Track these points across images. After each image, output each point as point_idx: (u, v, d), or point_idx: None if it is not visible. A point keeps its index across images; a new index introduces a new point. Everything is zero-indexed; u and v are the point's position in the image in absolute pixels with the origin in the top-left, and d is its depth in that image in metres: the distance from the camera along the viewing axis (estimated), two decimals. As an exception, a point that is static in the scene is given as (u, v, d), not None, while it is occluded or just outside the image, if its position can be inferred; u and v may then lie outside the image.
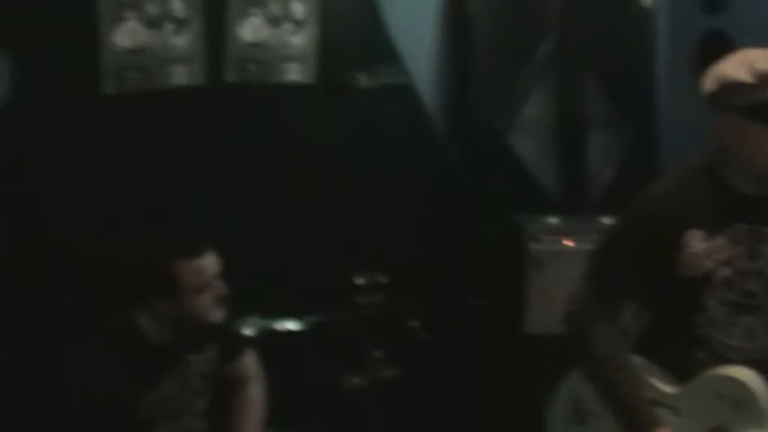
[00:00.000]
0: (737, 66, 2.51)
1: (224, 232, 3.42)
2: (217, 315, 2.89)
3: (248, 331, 3.01)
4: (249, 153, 3.71)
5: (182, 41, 3.64)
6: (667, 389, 2.63)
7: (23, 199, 3.36)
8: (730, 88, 2.50)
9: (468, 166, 4.26)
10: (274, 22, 3.80)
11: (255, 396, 3.19)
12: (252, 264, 3.50)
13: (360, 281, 3.51)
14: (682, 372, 2.63)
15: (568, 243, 4.05)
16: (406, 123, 4.06)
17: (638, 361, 2.68)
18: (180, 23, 3.64)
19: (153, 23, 3.59)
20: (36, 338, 3.32)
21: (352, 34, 3.91)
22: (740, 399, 2.52)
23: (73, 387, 2.86)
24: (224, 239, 3.40)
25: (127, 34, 3.53)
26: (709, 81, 2.55)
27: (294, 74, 3.86)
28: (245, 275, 3.09)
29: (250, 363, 3.21)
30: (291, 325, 3.13)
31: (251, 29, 3.76)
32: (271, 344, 3.14)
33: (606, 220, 3.73)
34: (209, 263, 2.87)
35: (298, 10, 3.84)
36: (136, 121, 3.54)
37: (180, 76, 3.64)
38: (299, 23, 3.85)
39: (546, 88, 4.48)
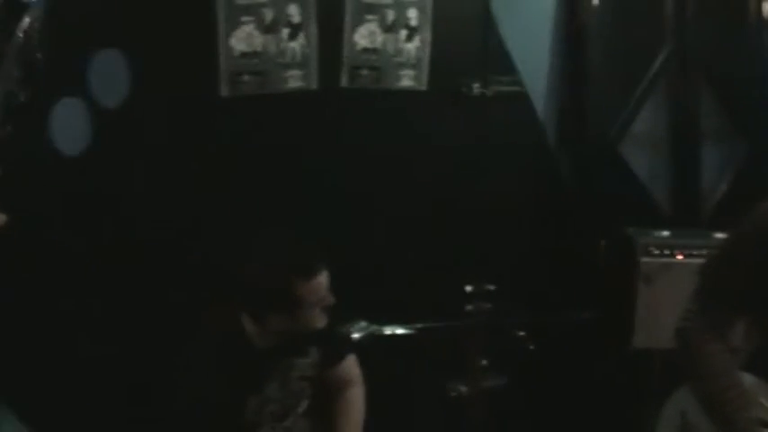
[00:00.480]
0: None
1: (334, 237, 3.46)
2: (322, 322, 2.96)
3: (355, 335, 3.01)
4: (360, 159, 3.73)
5: (297, 46, 3.70)
6: (778, 409, 2.57)
7: (139, 199, 3.44)
8: None
9: (580, 176, 4.20)
10: (389, 28, 3.82)
11: (356, 399, 3.22)
12: (360, 268, 3.52)
13: (468, 289, 3.50)
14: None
15: (679, 257, 3.97)
16: (518, 132, 4.03)
17: (748, 380, 2.61)
18: (295, 28, 3.68)
19: (269, 28, 3.65)
20: (145, 337, 3.40)
21: (466, 42, 3.90)
22: None
23: (180, 387, 2.93)
24: (334, 244, 3.45)
25: (243, 39, 3.59)
26: None
27: (407, 80, 3.87)
28: (353, 280, 3.10)
29: (352, 366, 3.24)
30: (399, 330, 3.12)
31: (365, 34, 3.79)
32: (378, 349, 3.14)
33: (718, 235, 3.65)
34: (324, 279, 2.95)
35: (412, 16, 3.85)
36: (250, 125, 3.59)
37: (294, 80, 3.70)
38: (413, 30, 3.85)
39: (660, 99, 4.40)
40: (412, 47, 3.85)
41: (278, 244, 3.00)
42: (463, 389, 3.62)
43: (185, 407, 2.89)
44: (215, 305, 2.99)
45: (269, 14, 3.63)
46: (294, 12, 3.67)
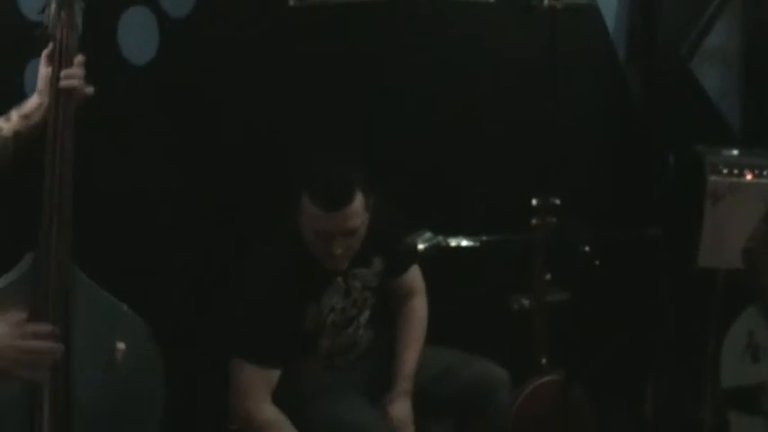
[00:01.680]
0: None
1: (401, 149, 3.45)
2: (336, 266, 2.89)
3: (420, 246, 3.01)
4: (428, 70, 3.69)
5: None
6: None
7: (208, 107, 3.45)
8: None
9: (649, 92, 4.14)
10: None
11: (419, 309, 3.23)
12: (427, 180, 3.51)
13: (534, 202, 3.49)
14: None
15: (749, 177, 3.92)
16: (587, 46, 3.96)
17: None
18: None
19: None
20: (214, 245, 3.44)
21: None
22: None
23: (246, 294, 2.94)
24: (400, 156, 3.44)
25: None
26: None
27: (477, -10, 3.80)
28: (420, 191, 3.11)
29: (416, 277, 3.24)
30: (464, 242, 3.14)
31: (436, -56, 3.72)
32: (442, 260, 3.16)
33: (789, 156, 3.60)
34: (335, 220, 2.82)
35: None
36: (317, 33, 3.57)
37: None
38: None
39: (734, 16, 4.30)
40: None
41: (321, 164, 2.91)
42: (526, 302, 3.64)
43: (248, 313, 2.91)
44: (284, 212, 2.99)
45: None
46: None
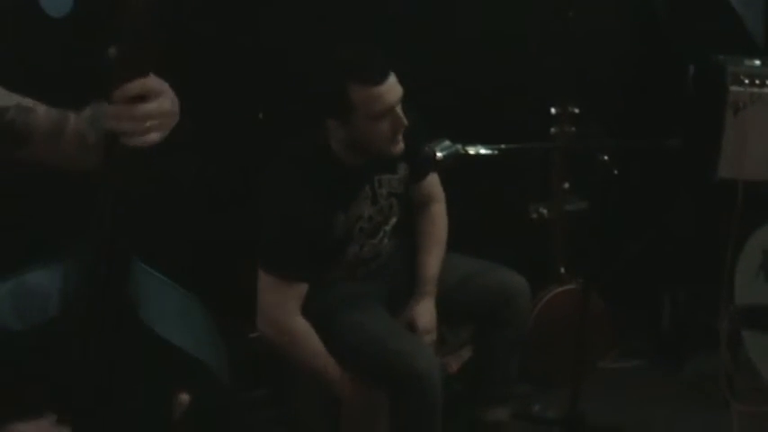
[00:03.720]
0: None
1: (420, 55, 3.41)
2: (395, 148, 2.87)
3: (439, 154, 3.00)
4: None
5: None
6: None
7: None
8: None
9: (672, 1, 4.08)
10: None
11: (440, 214, 3.23)
12: (446, 87, 3.49)
13: (554, 111, 3.47)
14: None
15: (771, 87, 3.87)
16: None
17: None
18: None
19: None
20: (238, 155, 3.44)
21: None
22: None
23: (275, 206, 2.91)
24: (419, 63, 3.41)
25: None
26: None
27: None
28: (438, 99, 3.09)
29: (435, 183, 3.24)
30: (482, 150, 3.11)
31: None
32: (461, 168, 3.15)
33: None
34: (388, 92, 2.79)
35: None
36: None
37: None
38: None
39: None
40: None
41: (347, 49, 2.87)
42: (544, 211, 3.64)
43: (278, 227, 2.88)
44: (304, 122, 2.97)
45: None
46: None
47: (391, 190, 3.06)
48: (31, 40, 3.06)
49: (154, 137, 1.70)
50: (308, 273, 2.90)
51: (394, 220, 3.11)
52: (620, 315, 3.69)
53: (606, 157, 3.22)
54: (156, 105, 1.70)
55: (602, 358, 3.72)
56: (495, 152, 3.16)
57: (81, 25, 2.98)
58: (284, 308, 2.88)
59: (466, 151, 3.06)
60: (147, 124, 1.69)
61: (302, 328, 2.89)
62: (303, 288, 2.90)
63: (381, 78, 2.78)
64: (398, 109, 2.82)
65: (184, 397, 1.96)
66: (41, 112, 1.90)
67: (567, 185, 3.57)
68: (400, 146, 2.87)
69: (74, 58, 2.99)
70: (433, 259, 3.14)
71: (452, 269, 3.15)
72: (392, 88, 2.80)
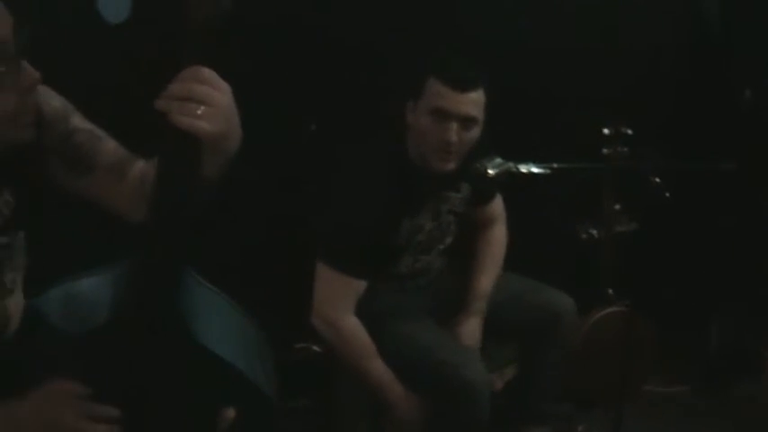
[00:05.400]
0: None
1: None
2: (442, 163, 2.86)
3: (491, 171, 2.99)
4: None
5: None
6: None
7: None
8: None
9: (727, 21, 4.04)
10: None
11: (499, 237, 3.25)
12: (499, 105, 3.47)
13: (606, 131, 3.44)
14: None
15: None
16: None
17: None
18: None
19: None
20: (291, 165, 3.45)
21: None
22: None
23: (344, 201, 2.91)
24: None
25: None
26: None
27: None
28: (491, 116, 3.06)
29: (499, 204, 3.26)
30: (534, 169, 3.10)
31: None
32: (512, 186, 3.14)
33: None
34: (458, 102, 2.80)
35: None
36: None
37: None
38: None
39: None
40: None
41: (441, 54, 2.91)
42: (594, 232, 3.61)
43: (345, 222, 2.88)
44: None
45: None
46: None
47: (452, 208, 3.07)
48: (88, 46, 3.09)
49: (203, 125, 1.64)
50: (367, 272, 2.91)
51: (449, 239, 3.12)
52: (666, 338, 3.65)
53: (658, 179, 3.21)
54: (206, 90, 1.65)
55: (648, 381, 3.69)
56: (547, 171, 3.15)
57: (138, 31, 3.01)
58: (339, 303, 2.89)
59: (517, 169, 3.05)
60: (196, 108, 1.64)
61: (354, 326, 2.90)
62: (360, 286, 2.91)
63: (462, 87, 2.79)
64: (459, 127, 2.81)
65: (230, 412, 1.95)
66: (111, 145, 1.91)
67: (617, 207, 3.54)
68: (448, 164, 2.87)
69: (131, 63, 3.02)
70: (487, 279, 3.14)
71: (500, 286, 3.16)
72: (466, 102, 2.81)
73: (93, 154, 1.87)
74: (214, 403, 1.96)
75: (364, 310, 2.93)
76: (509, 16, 3.67)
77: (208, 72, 1.66)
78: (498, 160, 3.02)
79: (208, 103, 1.65)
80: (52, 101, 1.84)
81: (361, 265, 2.88)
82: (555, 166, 3.16)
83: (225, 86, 1.68)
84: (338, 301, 2.89)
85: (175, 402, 1.90)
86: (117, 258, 1.93)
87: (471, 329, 3.08)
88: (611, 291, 3.61)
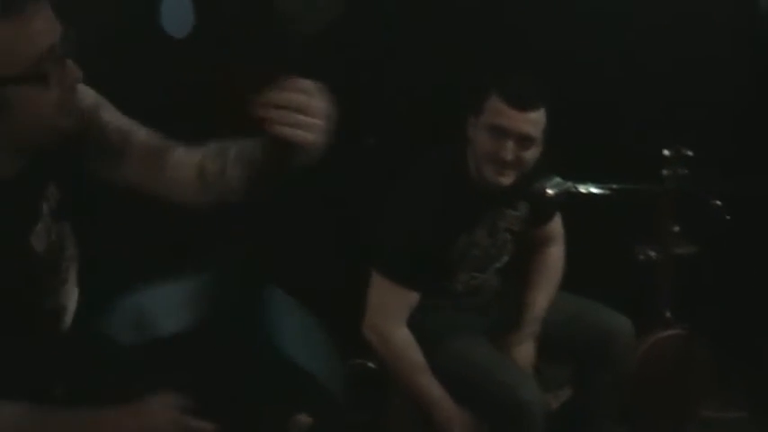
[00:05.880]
0: None
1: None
2: (499, 177, 2.85)
3: (550, 191, 2.99)
4: (564, 15, 3.65)
5: None
6: None
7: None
8: None
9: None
10: None
11: (557, 257, 3.23)
12: (558, 124, 3.46)
13: (666, 153, 3.42)
14: None
15: None
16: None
17: None
18: None
19: None
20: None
21: None
22: None
23: (401, 212, 2.93)
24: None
25: None
26: None
27: None
28: (550, 134, 3.06)
29: (557, 224, 3.24)
30: (593, 189, 3.09)
31: None
32: (571, 205, 3.13)
33: None
34: (516, 119, 2.81)
35: None
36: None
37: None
38: None
39: None
40: None
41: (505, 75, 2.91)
42: (652, 254, 3.58)
43: (400, 232, 2.90)
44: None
45: None
46: None
47: (509, 226, 3.07)
48: (152, 60, 3.13)
49: (306, 135, 1.68)
50: (421, 283, 2.91)
51: (506, 258, 3.11)
52: (724, 362, 3.61)
53: (718, 202, 3.18)
54: (308, 99, 1.68)
55: (705, 406, 3.65)
56: (606, 192, 3.14)
57: (203, 45, 3.04)
58: (391, 315, 2.90)
59: (577, 189, 3.04)
60: (298, 118, 1.67)
61: (406, 338, 2.91)
62: (413, 298, 2.91)
63: (521, 105, 2.79)
64: (516, 146, 2.81)
65: (304, 419, 2.00)
66: (143, 134, 1.99)
67: (676, 229, 3.51)
68: (503, 178, 2.86)
69: (194, 77, 3.05)
70: (543, 299, 3.13)
71: (556, 306, 3.14)
72: (525, 121, 2.81)
73: (127, 143, 1.97)
74: (290, 408, 2.00)
75: (419, 327, 2.93)
76: (570, 33, 3.66)
77: (309, 82, 1.70)
78: (557, 180, 3.02)
79: (310, 113, 1.69)
80: (86, 97, 1.94)
81: (414, 276, 2.89)
82: (614, 186, 3.15)
83: (324, 97, 1.72)
84: (390, 312, 2.90)
85: (251, 407, 1.94)
86: (196, 265, 2.01)
87: (526, 349, 3.07)
88: (668, 313, 3.58)
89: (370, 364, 3.23)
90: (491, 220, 3.01)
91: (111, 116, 1.98)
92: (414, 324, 2.93)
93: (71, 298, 2.02)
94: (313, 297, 3.26)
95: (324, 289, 3.34)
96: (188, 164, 2.00)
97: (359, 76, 3.47)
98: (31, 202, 1.86)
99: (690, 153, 3.43)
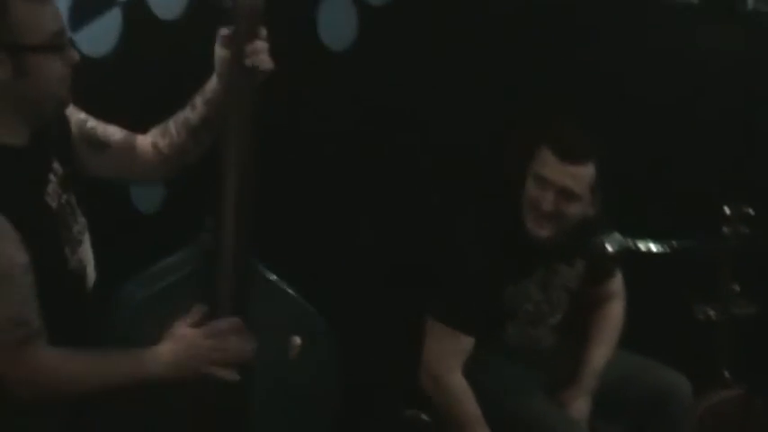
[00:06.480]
0: None
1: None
2: (538, 229, 2.84)
3: (610, 248, 2.97)
4: (622, 70, 3.64)
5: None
6: None
7: (404, 96, 3.49)
8: None
9: None
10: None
11: (616, 315, 3.19)
12: (618, 180, 3.46)
13: (727, 211, 3.40)
14: None
15: None
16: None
17: None
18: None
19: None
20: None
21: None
22: None
23: (455, 258, 2.95)
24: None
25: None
26: None
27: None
28: (610, 191, 3.06)
29: (618, 282, 3.20)
30: (653, 246, 3.08)
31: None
32: (629, 262, 3.11)
33: None
34: (563, 173, 2.80)
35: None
36: (516, 25, 3.57)
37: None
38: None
39: None
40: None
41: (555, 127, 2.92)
42: (712, 313, 3.55)
43: (454, 277, 2.91)
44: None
45: None
46: None
47: (565, 283, 3.05)
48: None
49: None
50: (475, 328, 2.91)
51: (560, 316, 3.09)
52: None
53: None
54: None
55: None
56: (666, 249, 3.12)
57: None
58: (448, 360, 2.91)
59: (636, 246, 3.03)
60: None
61: (461, 386, 2.91)
62: (468, 343, 2.92)
63: (565, 158, 2.79)
64: (558, 198, 2.80)
65: (298, 340, 2.41)
66: (112, 127, 2.40)
67: (736, 288, 3.47)
68: (543, 230, 2.84)
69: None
70: (600, 356, 3.09)
71: (613, 363, 3.09)
72: (569, 175, 2.80)
73: (103, 133, 2.37)
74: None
75: (473, 380, 2.93)
76: (630, 85, 3.66)
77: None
78: (617, 236, 3.00)
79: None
80: (77, 111, 2.33)
81: (469, 321, 2.90)
82: (674, 244, 3.13)
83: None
84: (447, 357, 2.91)
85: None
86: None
87: (581, 405, 3.03)
88: (727, 374, 3.53)
89: (424, 417, 3.22)
90: (544, 274, 3.00)
91: (95, 122, 2.36)
92: (468, 376, 2.93)
93: (90, 263, 2.27)
94: (372, 344, 3.31)
95: (382, 338, 3.38)
96: (146, 148, 2.43)
97: (425, 133, 3.52)
98: (40, 167, 2.16)
99: (751, 211, 3.41)
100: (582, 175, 2.81)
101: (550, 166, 2.81)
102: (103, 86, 2.83)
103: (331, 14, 3.42)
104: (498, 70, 3.55)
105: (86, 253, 2.27)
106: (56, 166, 2.20)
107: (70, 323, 2.12)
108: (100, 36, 2.97)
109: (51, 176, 2.17)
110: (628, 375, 3.08)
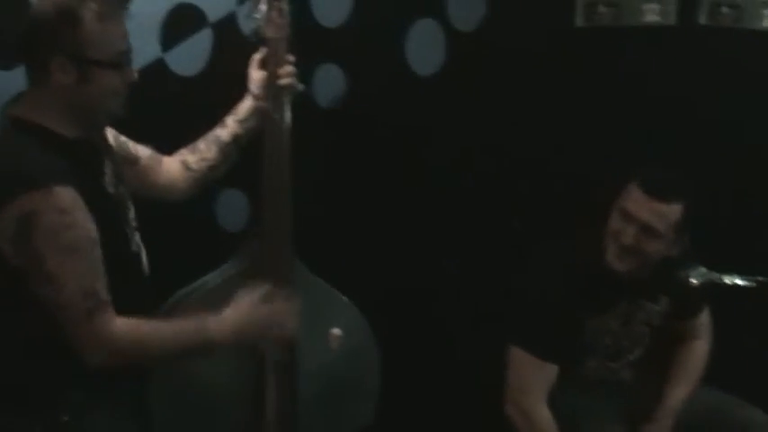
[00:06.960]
0: None
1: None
2: (617, 262, 2.84)
3: (694, 282, 2.93)
4: (711, 99, 3.58)
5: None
6: None
7: (490, 120, 3.48)
8: None
9: None
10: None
11: (700, 354, 3.15)
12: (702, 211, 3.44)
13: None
14: None
15: None
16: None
17: None
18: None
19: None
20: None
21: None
22: None
23: (539, 286, 2.95)
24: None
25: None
26: None
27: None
28: (695, 224, 3.03)
29: (703, 321, 3.16)
30: (738, 281, 3.02)
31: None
32: (714, 297, 3.06)
33: None
34: (650, 211, 2.80)
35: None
36: (605, 57, 3.56)
37: (652, 14, 3.61)
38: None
39: None
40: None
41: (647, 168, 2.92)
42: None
43: (538, 306, 2.92)
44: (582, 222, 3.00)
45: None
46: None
47: (647, 319, 3.02)
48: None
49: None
50: (559, 356, 2.91)
51: (640, 351, 3.06)
52: None
53: None
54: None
55: None
56: (753, 284, 3.06)
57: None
58: (533, 390, 2.91)
59: (722, 281, 2.97)
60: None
61: (547, 419, 2.91)
62: (552, 372, 2.91)
63: (651, 194, 2.80)
64: (639, 233, 2.80)
65: (337, 332, 2.67)
66: (146, 150, 2.57)
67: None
68: (622, 263, 2.84)
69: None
70: (681, 393, 3.06)
71: (696, 400, 3.07)
72: (653, 212, 2.80)
73: (134, 148, 2.54)
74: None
75: (552, 411, 2.92)
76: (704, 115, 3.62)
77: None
78: (702, 270, 2.95)
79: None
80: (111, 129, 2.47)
81: (552, 348, 2.89)
82: (760, 279, 3.07)
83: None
84: (532, 387, 2.92)
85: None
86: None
87: None
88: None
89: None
90: (626, 308, 2.98)
91: (126, 138, 2.51)
92: (549, 408, 2.92)
93: (143, 248, 2.37)
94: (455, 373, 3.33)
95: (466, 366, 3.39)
96: (173, 165, 2.63)
97: (510, 159, 3.52)
98: (98, 157, 2.30)
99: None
100: (666, 214, 2.81)
101: (635, 201, 2.81)
102: (194, 105, 2.92)
103: (419, 39, 3.46)
104: (589, 100, 3.57)
105: (140, 242, 2.38)
106: (107, 162, 2.32)
107: (131, 303, 2.19)
108: (191, 55, 3.05)
109: (105, 168, 2.30)
110: (708, 411, 3.06)
